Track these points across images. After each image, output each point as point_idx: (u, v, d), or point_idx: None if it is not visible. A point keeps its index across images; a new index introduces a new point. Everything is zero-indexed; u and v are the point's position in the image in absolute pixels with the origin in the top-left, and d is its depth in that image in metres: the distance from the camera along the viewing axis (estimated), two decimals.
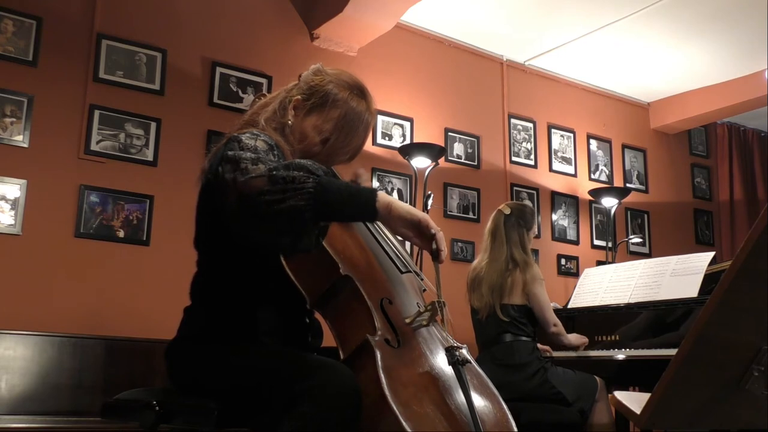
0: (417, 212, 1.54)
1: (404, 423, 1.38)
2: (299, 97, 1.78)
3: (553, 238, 5.50)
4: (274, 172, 1.46)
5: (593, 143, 5.93)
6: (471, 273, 3.50)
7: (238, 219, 1.52)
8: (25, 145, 3.63)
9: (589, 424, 3.19)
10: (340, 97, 1.76)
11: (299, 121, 1.78)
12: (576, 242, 5.62)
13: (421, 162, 4.50)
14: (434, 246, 1.55)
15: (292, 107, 1.79)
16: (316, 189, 1.45)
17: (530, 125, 5.58)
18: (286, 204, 1.44)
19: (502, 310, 3.29)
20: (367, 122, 1.79)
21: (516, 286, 3.32)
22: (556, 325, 3.37)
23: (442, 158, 4.73)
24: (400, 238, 1.66)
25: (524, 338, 3.29)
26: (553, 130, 5.69)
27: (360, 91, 1.80)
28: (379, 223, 1.86)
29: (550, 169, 5.63)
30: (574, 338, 3.48)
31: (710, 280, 3.33)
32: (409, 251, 4.28)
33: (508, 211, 3.47)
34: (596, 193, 5.44)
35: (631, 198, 5.72)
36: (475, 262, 3.55)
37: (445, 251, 1.58)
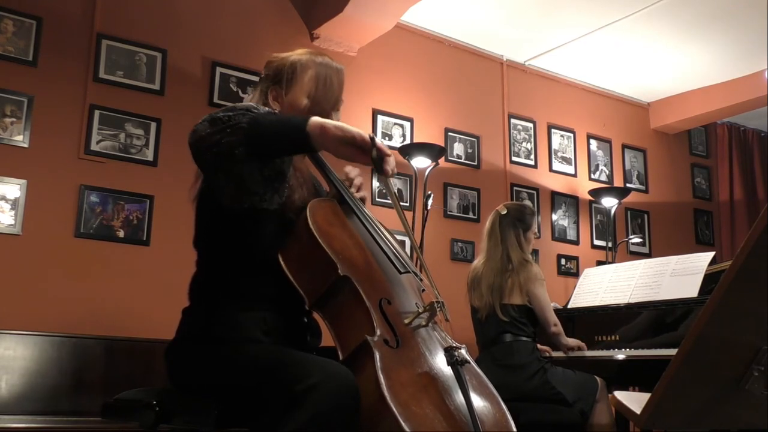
0: (350, 128, 1.52)
1: (403, 423, 1.38)
2: (273, 86, 1.87)
3: (553, 238, 5.50)
4: (214, 115, 1.52)
5: (593, 143, 5.93)
6: (471, 273, 3.51)
7: (202, 170, 1.60)
8: (25, 145, 3.63)
9: (590, 424, 3.19)
10: (305, 60, 1.86)
11: (284, 103, 1.85)
12: (576, 242, 5.62)
13: (421, 162, 4.50)
14: (375, 154, 1.52)
15: (272, 99, 1.86)
16: (250, 123, 1.50)
17: (530, 125, 5.58)
18: (222, 142, 1.48)
19: (502, 310, 3.29)
20: (337, 69, 1.88)
21: (515, 286, 3.32)
22: (556, 325, 3.38)
23: (442, 158, 4.73)
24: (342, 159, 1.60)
25: (524, 338, 3.29)
26: (553, 130, 5.69)
27: (317, 52, 1.91)
28: (377, 223, 1.86)
29: (550, 169, 5.63)
30: (572, 342, 3.48)
31: (710, 280, 3.33)
32: (408, 252, 4.28)
33: (504, 212, 3.47)
34: (596, 193, 5.44)
35: (631, 198, 5.72)
36: (475, 261, 3.56)
37: (390, 156, 1.54)
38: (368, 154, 1.51)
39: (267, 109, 1.61)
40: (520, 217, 3.46)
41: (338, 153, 1.53)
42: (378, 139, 1.53)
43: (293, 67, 1.85)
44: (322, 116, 1.77)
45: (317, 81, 1.83)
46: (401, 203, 4.79)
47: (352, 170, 1.97)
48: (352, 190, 1.94)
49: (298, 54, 1.88)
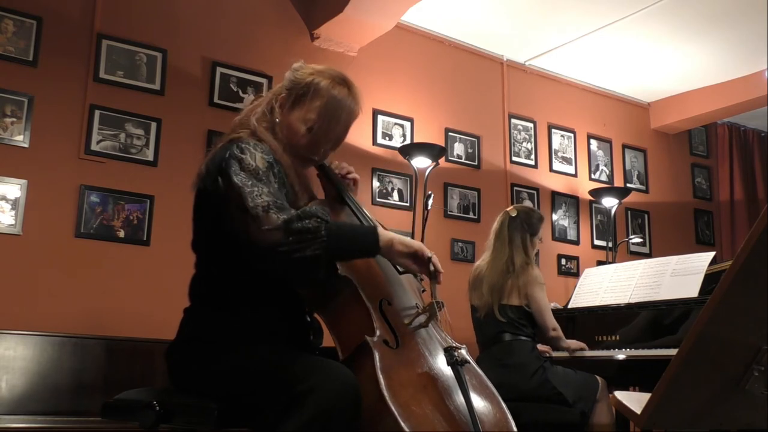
0: (413, 242, 1.68)
1: (403, 423, 1.38)
2: (283, 94, 1.83)
3: (554, 238, 5.50)
4: (289, 225, 1.54)
5: (593, 143, 5.93)
6: (473, 272, 3.50)
7: (256, 263, 1.63)
8: (25, 145, 3.63)
9: (590, 424, 3.19)
10: (322, 86, 1.79)
11: (285, 116, 1.81)
12: (576, 242, 5.62)
13: (421, 162, 4.50)
14: (432, 269, 1.67)
15: (278, 105, 1.83)
16: (329, 237, 1.55)
17: (530, 125, 5.58)
18: (303, 253, 1.53)
19: (500, 310, 3.29)
20: (350, 109, 1.82)
21: (514, 288, 3.32)
22: (555, 329, 3.36)
23: (443, 158, 4.73)
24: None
25: (523, 338, 3.29)
26: (553, 130, 5.69)
27: (342, 80, 1.84)
28: (376, 223, 1.86)
29: (551, 169, 5.62)
30: (572, 344, 3.47)
31: (710, 280, 3.33)
32: None
33: (514, 213, 3.47)
34: (596, 193, 5.44)
35: (631, 198, 5.71)
36: (479, 261, 3.55)
37: (442, 272, 1.71)
38: (425, 266, 1.69)
39: (326, 209, 1.63)
40: (529, 221, 3.45)
41: (398, 262, 1.70)
42: (434, 256, 1.70)
43: (307, 88, 1.80)
44: (316, 149, 1.81)
45: (323, 114, 1.78)
46: (401, 203, 4.79)
47: (343, 164, 1.99)
48: (349, 179, 1.96)
49: (319, 75, 1.82)
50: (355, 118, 1.85)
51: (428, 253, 1.67)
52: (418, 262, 1.67)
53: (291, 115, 1.80)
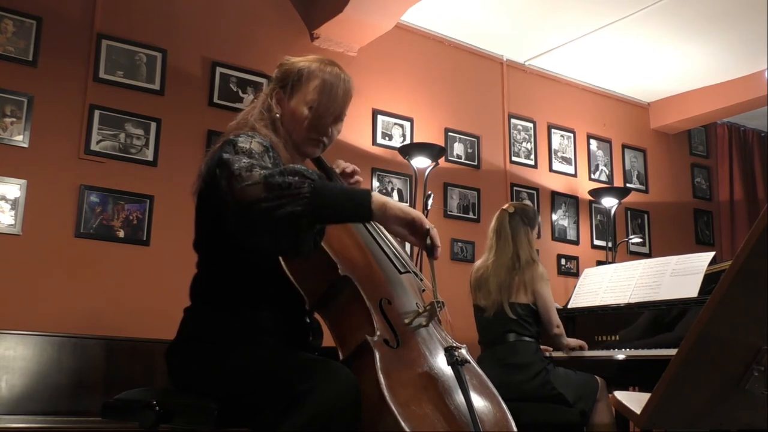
0: (411, 210, 1.58)
1: (403, 423, 1.38)
2: (278, 89, 1.85)
3: (553, 238, 5.50)
4: (270, 179, 1.48)
5: (593, 143, 5.93)
6: (475, 273, 3.49)
7: (237, 226, 1.54)
8: (25, 145, 3.63)
9: (590, 424, 3.19)
10: (314, 68, 1.84)
11: (286, 107, 1.84)
12: (576, 242, 5.62)
13: (421, 162, 4.50)
14: (429, 242, 1.59)
15: (276, 102, 1.84)
16: (312, 193, 1.47)
17: (530, 125, 5.58)
18: (283, 210, 1.45)
19: (510, 308, 3.29)
20: (345, 83, 1.85)
21: (521, 285, 3.32)
22: (558, 326, 3.37)
23: (442, 158, 4.73)
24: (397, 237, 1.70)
25: (527, 338, 3.29)
26: (553, 130, 5.69)
27: (330, 61, 1.88)
28: (376, 223, 1.86)
29: (550, 169, 5.62)
30: (572, 342, 3.48)
31: (710, 280, 3.33)
32: (408, 252, 4.28)
33: (512, 210, 3.48)
34: (596, 193, 5.44)
35: (631, 198, 5.72)
36: (479, 262, 3.54)
37: (439, 247, 1.62)
38: (422, 238, 1.59)
39: (317, 172, 1.57)
40: (526, 216, 3.48)
41: (393, 231, 1.60)
42: (433, 229, 1.61)
43: (300, 74, 1.83)
44: (322, 128, 1.82)
45: (321, 92, 1.81)
46: (401, 202, 4.78)
47: (348, 164, 1.99)
48: (352, 182, 1.96)
49: (308, 61, 1.87)
50: (350, 92, 1.87)
51: (427, 224, 1.59)
52: (415, 233, 1.59)
53: (291, 104, 1.83)
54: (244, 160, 1.55)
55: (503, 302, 3.30)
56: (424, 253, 1.64)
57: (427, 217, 4.13)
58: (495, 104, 5.44)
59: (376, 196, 1.55)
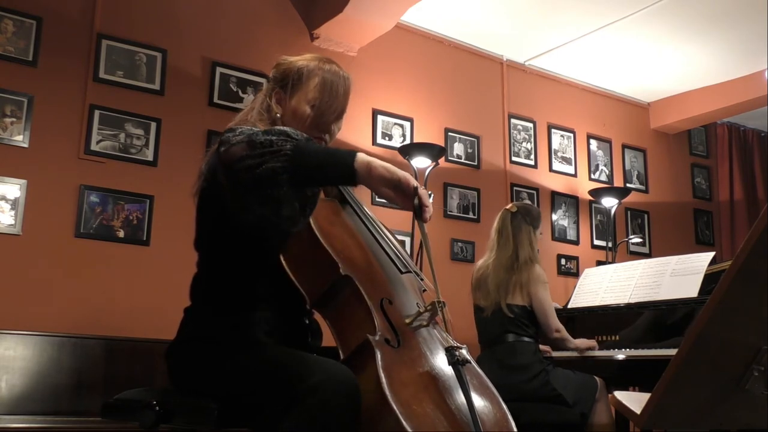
0: (397, 170, 1.52)
1: (404, 423, 1.38)
2: (278, 89, 1.85)
3: (553, 238, 5.50)
4: (253, 137, 1.49)
5: (593, 143, 5.93)
6: (476, 272, 3.49)
7: (232, 197, 1.55)
8: (25, 145, 3.63)
9: (589, 424, 3.19)
10: (312, 67, 1.83)
11: (287, 107, 1.83)
12: (576, 242, 5.62)
13: (421, 162, 4.50)
14: (416, 202, 1.53)
15: (276, 102, 1.84)
16: (294, 151, 1.47)
17: (530, 125, 5.58)
18: (264, 167, 1.45)
19: (508, 308, 3.29)
20: (345, 80, 1.84)
21: (517, 286, 3.31)
22: (558, 331, 3.34)
23: (442, 158, 4.73)
24: (384, 199, 1.63)
25: (526, 339, 3.28)
26: (553, 130, 5.69)
27: (327, 59, 1.88)
28: (378, 223, 1.87)
29: (550, 169, 5.63)
30: (581, 343, 3.44)
31: (710, 280, 3.33)
32: (408, 252, 4.28)
33: (514, 210, 3.48)
34: (596, 193, 5.44)
35: (631, 198, 5.72)
36: (481, 261, 3.54)
37: (430, 208, 1.56)
38: (409, 199, 1.52)
39: (305, 135, 1.56)
40: (529, 215, 3.46)
41: (379, 192, 1.53)
42: (421, 188, 1.53)
43: (300, 73, 1.82)
44: (324, 126, 1.82)
45: (322, 90, 1.80)
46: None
47: None
48: None
49: (306, 59, 1.86)
50: (350, 90, 1.86)
51: (414, 182, 1.52)
52: (402, 194, 1.53)
53: (291, 103, 1.82)
54: (240, 131, 1.55)
55: (500, 301, 3.29)
56: (422, 252, 1.61)
57: None
58: (495, 104, 5.44)
59: (361, 155, 1.51)
